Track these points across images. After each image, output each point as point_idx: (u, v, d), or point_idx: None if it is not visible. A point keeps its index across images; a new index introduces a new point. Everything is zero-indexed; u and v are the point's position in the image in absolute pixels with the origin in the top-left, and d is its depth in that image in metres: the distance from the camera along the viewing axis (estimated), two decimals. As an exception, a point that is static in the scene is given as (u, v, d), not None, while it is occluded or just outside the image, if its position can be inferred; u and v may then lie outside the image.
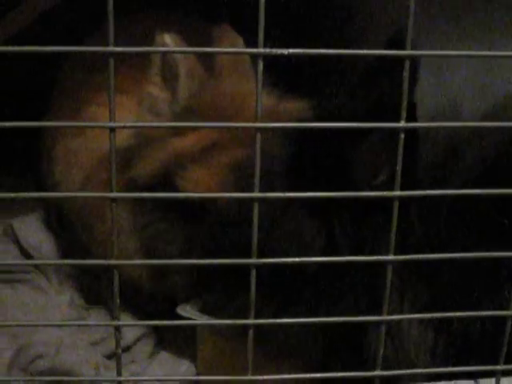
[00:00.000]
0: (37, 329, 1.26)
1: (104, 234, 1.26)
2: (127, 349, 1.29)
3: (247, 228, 0.68)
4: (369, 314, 0.87)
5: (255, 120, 0.63)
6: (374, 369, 0.74)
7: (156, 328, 1.34)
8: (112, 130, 0.63)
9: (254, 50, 0.61)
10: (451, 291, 0.94)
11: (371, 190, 0.94)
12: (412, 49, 0.64)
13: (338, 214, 0.96)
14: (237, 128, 1.09)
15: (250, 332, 0.70)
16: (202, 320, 1.10)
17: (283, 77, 1.17)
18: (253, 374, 0.72)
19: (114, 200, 0.66)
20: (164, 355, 1.30)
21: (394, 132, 0.65)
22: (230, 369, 1.11)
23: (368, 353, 0.96)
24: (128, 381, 0.79)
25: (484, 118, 1.05)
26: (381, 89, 0.88)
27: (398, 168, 0.65)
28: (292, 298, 0.99)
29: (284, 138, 1.00)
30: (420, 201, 0.95)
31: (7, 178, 1.76)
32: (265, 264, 0.66)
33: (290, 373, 0.85)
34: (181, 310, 1.14)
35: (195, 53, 1.14)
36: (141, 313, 1.38)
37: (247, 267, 0.67)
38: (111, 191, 0.65)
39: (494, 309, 0.90)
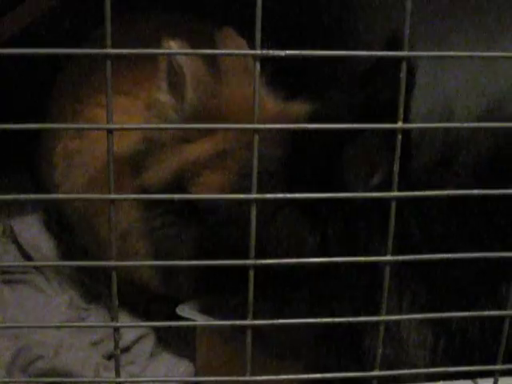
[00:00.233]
0: (36, 329, 1.26)
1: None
2: (127, 349, 1.30)
3: (245, 229, 0.68)
4: (367, 314, 0.88)
5: (253, 121, 0.64)
6: (372, 369, 0.74)
7: (155, 328, 1.34)
8: (110, 131, 0.63)
9: (251, 52, 0.61)
10: (450, 292, 0.94)
11: (365, 192, 0.94)
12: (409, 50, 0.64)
13: (333, 216, 0.96)
14: (241, 131, 1.09)
15: (248, 333, 0.70)
16: (201, 321, 1.10)
17: (289, 81, 1.18)
18: (252, 375, 0.72)
19: (112, 202, 0.66)
20: (163, 356, 1.30)
21: (389, 134, 0.65)
22: (230, 369, 1.11)
23: (367, 354, 0.96)
24: (127, 382, 0.79)
25: (479, 120, 1.05)
26: (379, 90, 0.88)
27: (396, 168, 0.65)
28: (290, 299, 0.99)
29: (280, 139, 1.01)
30: (415, 203, 0.95)
31: (7, 180, 1.77)
32: (263, 265, 0.67)
33: (289, 373, 0.85)
34: (180, 310, 1.14)
35: (194, 54, 1.14)
36: (141, 314, 1.38)
37: (246, 268, 0.67)
38: (110, 193, 0.66)
39: (493, 309, 0.90)
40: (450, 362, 0.95)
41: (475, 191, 0.71)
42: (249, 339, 0.70)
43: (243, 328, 0.70)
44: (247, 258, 0.67)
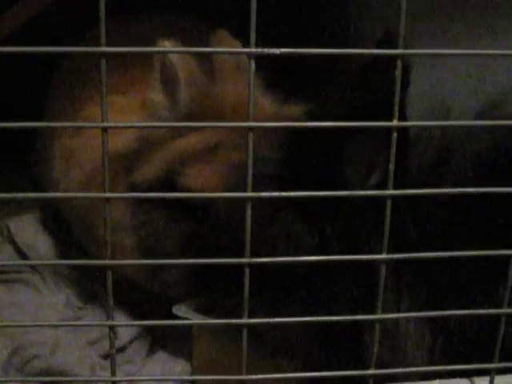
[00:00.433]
0: (32, 329, 1.26)
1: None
2: (123, 349, 1.29)
3: (241, 229, 0.68)
4: (365, 314, 0.88)
5: (248, 120, 0.64)
6: (368, 368, 0.74)
7: (152, 328, 1.34)
8: (104, 130, 0.63)
9: (246, 50, 0.61)
10: (449, 292, 0.94)
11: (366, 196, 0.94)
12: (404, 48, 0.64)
13: (331, 216, 0.96)
14: (233, 129, 1.09)
15: (244, 332, 0.70)
16: (197, 320, 1.10)
17: (286, 82, 1.18)
18: (248, 374, 0.72)
19: (107, 200, 0.66)
20: (160, 355, 1.30)
21: (386, 134, 0.65)
22: (226, 368, 1.11)
23: (365, 353, 0.96)
24: (122, 381, 0.79)
25: (476, 118, 1.05)
26: (376, 89, 0.88)
27: (391, 167, 0.65)
28: (287, 299, 0.99)
29: (277, 140, 1.01)
30: (413, 202, 0.95)
31: (4, 178, 1.76)
32: (258, 263, 0.67)
33: (286, 372, 0.85)
34: (176, 309, 1.14)
35: (189, 53, 1.14)
36: (137, 314, 1.38)
37: (241, 267, 0.67)
38: (105, 191, 0.66)
39: (491, 308, 0.90)
40: (448, 362, 0.95)
41: (471, 189, 0.72)
42: (245, 338, 0.70)
43: (239, 327, 0.70)
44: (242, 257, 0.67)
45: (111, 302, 0.69)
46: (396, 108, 0.64)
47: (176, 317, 1.13)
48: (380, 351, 0.90)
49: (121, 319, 1.33)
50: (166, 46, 1.13)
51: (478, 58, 1.34)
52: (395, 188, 0.67)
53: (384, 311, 0.72)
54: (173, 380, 1.20)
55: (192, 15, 1.65)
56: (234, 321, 0.71)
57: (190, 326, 1.23)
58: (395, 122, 0.65)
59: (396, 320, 0.95)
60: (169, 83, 1.16)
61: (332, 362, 0.99)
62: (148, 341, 1.32)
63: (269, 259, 0.68)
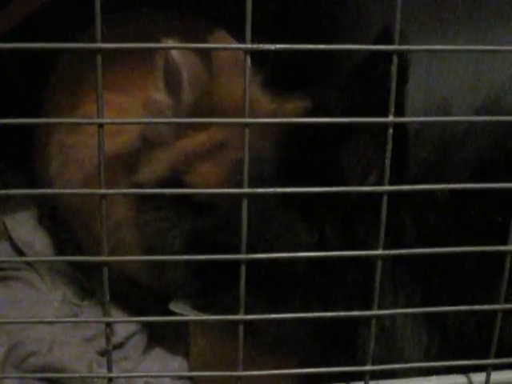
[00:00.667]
0: (29, 326, 1.26)
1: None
2: (120, 345, 1.30)
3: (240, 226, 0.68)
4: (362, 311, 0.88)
5: (244, 116, 0.64)
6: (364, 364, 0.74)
7: (149, 325, 1.34)
8: (100, 125, 0.63)
9: (242, 46, 0.61)
10: (447, 290, 0.94)
11: (362, 192, 0.94)
12: (402, 44, 0.64)
13: (330, 214, 0.96)
14: (238, 127, 1.09)
15: (240, 328, 0.70)
16: (193, 316, 1.10)
17: (284, 80, 1.18)
18: (245, 370, 0.72)
19: (103, 196, 0.66)
20: (157, 351, 1.30)
21: (385, 132, 0.65)
22: (223, 364, 1.11)
23: (362, 350, 0.96)
24: (119, 377, 0.79)
25: (476, 115, 1.05)
26: (376, 85, 0.88)
27: (387, 162, 0.65)
28: (285, 296, 0.99)
29: (276, 139, 1.01)
30: (413, 199, 0.95)
31: (1, 176, 1.76)
32: (254, 259, 0.67)
33: (283, 369, 0.86)
34: (173, 306, 1.14)
35: (186, 49, 1.14)
36: (134, 311, 1.38)
37: (239, 264, 0.67)
38: (100, 188, 0.66)
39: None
40: (445, 359, 0.95)
41: (469, 185, 0.72)
42: (241, 334, 0.70)
43: (235, 323, 0.70)
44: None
45: (107, 298, 0.69)
46: (392, 104, 0.64)
47: (173, 314, 1.13)
48: (377, 349, 0.90)
49: (118, 316, 1.33)
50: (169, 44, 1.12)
51: (479, 55, 1.34)
52: (394, 185, 0.67)
53: (381, 309, 0.72)
54: (169, 376, 1.21)
55: (190, 12, 1.65)
56: (230, 317, 0.71)
57: (187, 323, 1.23)
58: (391, 118, 0.65)
59: (393, 318, 0.95)
60: (172, 81, 1.16)
61: (330, 360, 0.99)
62: (145, 337, 1.32)
63: (265, 255, 0.68)
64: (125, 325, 1.32)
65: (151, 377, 1.07)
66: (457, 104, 1.04)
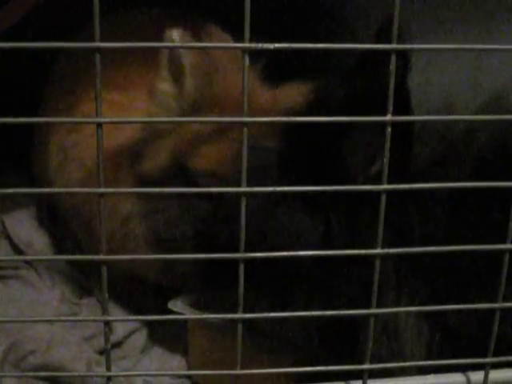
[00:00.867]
0: (28, 325, 1.26)
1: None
2: (119, 344, 1.30)
3: (249, 220, 0.68)
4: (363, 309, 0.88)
5: (244, 114, 0.64)
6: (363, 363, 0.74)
7: (148, 323, 1.34)
8: (99, 125, 0.63)
9: (240, 45, 0.61)
10: (450, 289, 0.94)
11: (366, 180, 0.94)
12: (401, 43, 0.64)
13: (335, 208, 0.96)
14: (241, 111, 1.10)
15: (239, 326, 0.70)
16: (192, 315, 1.10)
17: (284, 69, 1.18)
18: (244, 369, 0.72)
19: (101, 195, 0.66)
20: (156, 351, 1.30)
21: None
22: (222, 363, 1.11)
23: (363, 349, 0.96)
24: (118, 376, 0.79)
25: (477, 113, 1.04)
26: (376, 81, 0.88)
27: (385, 161, 0.65)
28: (287, 294, 0.99)
29: (276, 131, 1.01)
30: (418, 197, 0.95)
31: (1, 175, 1.76)
32: (252, 258, 0.67)
33: (283, 367, 0.86)
34: (172, 305, 1.14)
35: (184, 48, 1.15)
36: (133, 309, 1.38)
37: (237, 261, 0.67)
38: (99, 187, 0.66)
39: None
40: (445, 358, 0.95)
41: (469, 183, 0.72)
42: (239, 333, 0.70)
43: (234, 322, 0.70)
44: (248, 249, 0.67)
45: (106, 297, 0.69)
46: (390, 102, 0.64)
47: (172, 312, 1.13)
48: (380, 348, 0.90)
49: (117, 315, 1.33)
50: (174, 34, 1.13)
51: (482, 53, 1.34)
52: (398, 182, 0.67)
53: (384, 308, 0.72)
54: (168, 375, 1.21)
55: (187, 9, 1.65)
56: (229, 316, 0.71)
57: (186, 322, 1.23)
58: (389, 117, 0.65)
59: (395, 317, 0.95)
60: (175, 69, 1.17)
61: (331, 359, 0.99)
62: (144, 336, 1.32)
63: (263, 254, 0.68)
64: (124, 324, 1.32)
65: (150, 375, 1.07)
66: (459, 103, 1.04)
